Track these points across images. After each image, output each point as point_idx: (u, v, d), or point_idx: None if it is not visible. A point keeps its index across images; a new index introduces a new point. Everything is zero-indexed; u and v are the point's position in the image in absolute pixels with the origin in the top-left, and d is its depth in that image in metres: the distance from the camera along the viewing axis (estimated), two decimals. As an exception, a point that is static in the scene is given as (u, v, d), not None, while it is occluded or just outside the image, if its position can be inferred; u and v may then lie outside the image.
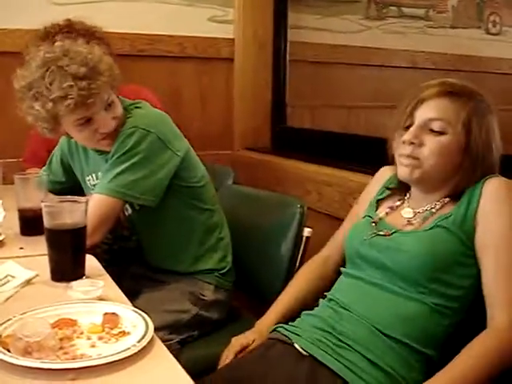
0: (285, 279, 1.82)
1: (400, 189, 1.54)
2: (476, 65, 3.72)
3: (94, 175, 1.91)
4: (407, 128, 1.41)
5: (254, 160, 2.87)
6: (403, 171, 1.42)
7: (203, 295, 1.84)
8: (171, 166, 1.76)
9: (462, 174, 1.38)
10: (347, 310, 1.41)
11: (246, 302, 2.04)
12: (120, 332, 1.10)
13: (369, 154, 2.03)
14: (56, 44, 1.67)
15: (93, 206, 1.57)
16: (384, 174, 1.62)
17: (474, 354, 1.23)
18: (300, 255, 1.88)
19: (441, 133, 1.37)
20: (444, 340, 1.36)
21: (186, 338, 1.78)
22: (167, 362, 1.03)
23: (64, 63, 1.60)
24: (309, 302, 1.62)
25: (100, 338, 1.08)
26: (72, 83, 1.59)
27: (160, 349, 1.07)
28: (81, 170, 1.97)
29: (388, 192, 1.58)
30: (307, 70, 3.18)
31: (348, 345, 1.34)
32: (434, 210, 1.42)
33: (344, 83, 3.29)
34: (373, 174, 1.68)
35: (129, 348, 1.01)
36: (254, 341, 1.54)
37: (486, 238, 1.32)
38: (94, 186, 1.85)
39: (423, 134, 1.38)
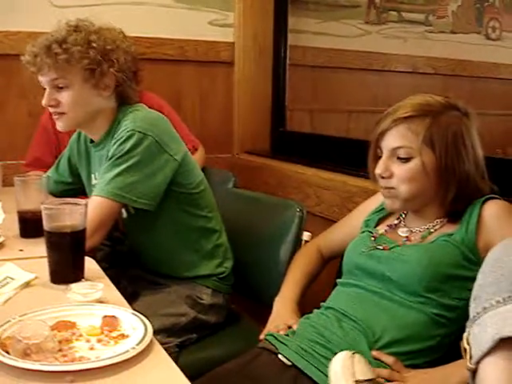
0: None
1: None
2: (475, 70, 3.73)
3: (95, 174, 1.92)
4: (379, 158, 1.45)
5: (254, 164, 2.87)
6: (385, 203, 1.47)
7: (201, 299, 1.84)
8: (168, 170, 1.76)
9: (446, 191, 1.39)
10: (342, 313, 1.41)
11: (244, 305, 2.04)
12: (119, 335, 1.11)
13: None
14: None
15: (91, 208, 1.57)
16: (379, 198, 1.62)
17: None
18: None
19: (408, 159, 1.39)
20: (437, 350, 1.35)
21: (185, 341, 1.77)
22: (166, 364, 1.03)
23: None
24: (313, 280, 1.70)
25: (99, 341, 1.08)
26: (50, 44, 1.68)
27: (159, 352, 1.07)
28: (86, 170, 1.98)
29: (384, 213, 1.59)
30: (307, 74, 3.19)
31: (332, 351, 1.32)
32: (432, 230, 1.43)
33: (344, 87, 3.30)
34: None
35: (127, 351, 1.01)
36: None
37: None
38: (94, 186, 1.86)
39: (392, 164, 1.41)
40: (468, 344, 0.86)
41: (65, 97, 1.75)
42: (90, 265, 1.47)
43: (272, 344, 1.44)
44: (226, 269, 1.91)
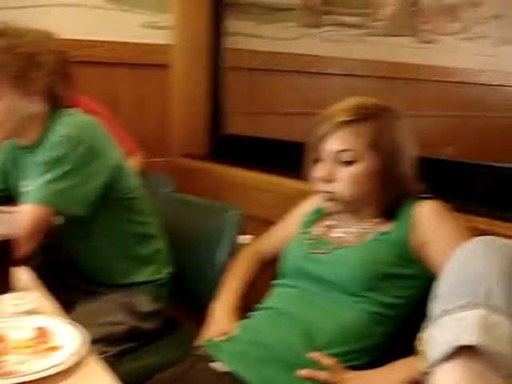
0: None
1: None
2: (410, 72, 3.81)
3: (27, 181, 1.85)
4: (317, 161, 1.45)
5: (192, 167, 2.84)
6: (325, 206, 1.47)
7: (138, 306, 1.80)
8: (103, 175, 1.72)
9: (386, 193, 1.42)
10: (282, 313, 1.39)
11: (183, 311, 2.00)
12: (53, 346, 1.07)
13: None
14: None
15: (23, 216, 1.52)
16: (313, 201, 1.63)
17: None
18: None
19: (351, 162, 1.39)
20: (377, 350, 1.36)
21: (124, 349, 1.73)
22: (103, 375, 1.00)
23: None
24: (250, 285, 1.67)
25: (31, 353, 1.05)
26: None
27: (95, 362, 1.04)
28: (17, 176, 1.91)
29: (320, 215, 1.58)
30: (244, 77, 3.18)
31: (271, 359, 1.30)
32: (368, 229, 1.44)
33: (281, 90, 3.30)
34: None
35: (62, 362, 0.98)
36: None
37: (439, 258, 1.31)
38: (26, 193, 1.80)
39: (335, 168, 1.41)
40: (425, 345, 0.85)
41: None
42: (25, 274, 1.43)
43: (209, 351, 1.41)
44: (165, 275, 1.88)
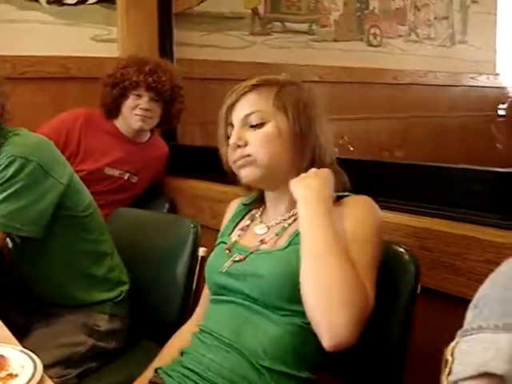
0: (181, 301, 1.80)
1: (254, 205, 1.51)
2: (359, 76, 3.85)
3: None
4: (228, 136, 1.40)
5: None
6: (242, 173, 1.39)
7: (97, 326, 1.78)
8: (54, 194, 1.70)
9: (302, 158, 1.36)
10: (216, 337, 1.32)
11: (144, 327, 1.98)
12: (7, 375, 1.05)
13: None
14: None
15: None
16: (232, 206, 1.60)
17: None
18: (196, 275, 1.86)
19: (260, 125, 1.36)
20: (318, 360, 1.30)
21: (84, 370, 1.71)
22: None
23: None
24: None
25: (-15, 383, 1.03)
26: None
27: (51, 389, 1.02)
28: None
29: (239, 217, 1.53)
30: (196, 87, 3.17)
31: (214, 382, 1.25)
32: (286, 225, 1.37)
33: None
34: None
35: (16, 392, 0.96)
36: None
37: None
38: None
39: (245, 133, 1.37)
40: (452, 356, 0.80)
41: None
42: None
43: (160, 377, 1.37)
44: (122, 292, 1.86)
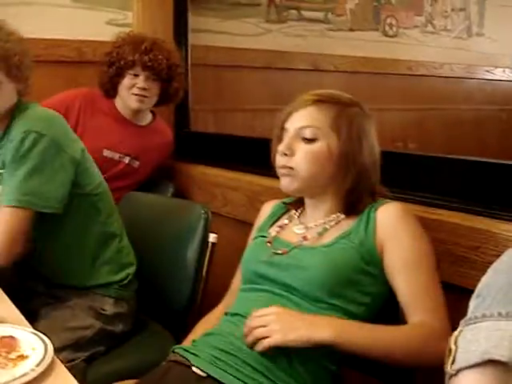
0: (192, 287, 1.81)
1: (293, 205, 1.56)
2: (374, 66, 3.83)
3: None
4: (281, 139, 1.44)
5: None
6: (282, 182, 1.45)
7: (104, 309, 1.77)
8: (69, 169, 1.70)
9: (344, 179, 1.40)
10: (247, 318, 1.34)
11: (151, 311, 1.98)
12: (18, 356, 1.06)
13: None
14: None
15: (2, 221, 1.52)
16: (266, 207, 1.63)
17: (401, 328, 1.29)
18: (207, 261, 1.86)
19: (312, 140, 1.39)
20: (341, 356, 1.33)
21: (93, 354, 1.70)
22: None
23: None
24: None
25: (-3, 364, 1.03)
26: None
27: (61, 371, 1.03)
28: None
29: (276, 216, 1.58)
30: (210, 74, 3.17)
31: (247, 363, 1.29)
32: (327, 226, 1.42)
33: (247, 86, 3.30)
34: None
35: (26, 373, 0.97)
36: None
37: (395, 263, 1.33)
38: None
39: (296, 144, 1.41)
40: (455, 344, 0.81)
41: None
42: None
43: (183, 356, 1.38)
44: (128, 275, 1.85)
